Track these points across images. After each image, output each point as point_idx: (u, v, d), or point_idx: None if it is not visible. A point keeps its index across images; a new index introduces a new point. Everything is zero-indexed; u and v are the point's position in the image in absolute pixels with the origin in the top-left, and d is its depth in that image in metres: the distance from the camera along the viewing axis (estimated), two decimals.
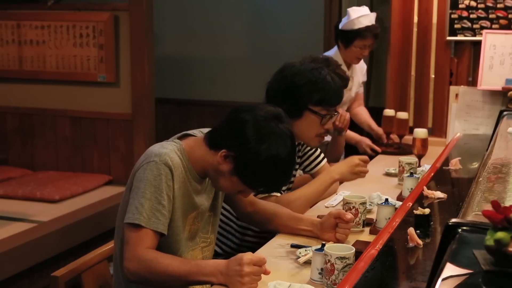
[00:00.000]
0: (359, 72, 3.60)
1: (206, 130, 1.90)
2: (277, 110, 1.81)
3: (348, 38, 3.36)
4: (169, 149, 1.78)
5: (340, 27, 3.41)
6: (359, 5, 5.20)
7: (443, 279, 0.92)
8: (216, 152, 1.78)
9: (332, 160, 3.07)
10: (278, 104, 2.01)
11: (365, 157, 2.51)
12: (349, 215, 1.99)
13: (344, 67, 3.26)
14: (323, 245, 1.73)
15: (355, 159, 2.45)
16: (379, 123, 3.61)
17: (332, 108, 2.31)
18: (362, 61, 3.56)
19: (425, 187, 1.80)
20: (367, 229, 2.14)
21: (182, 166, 1.80)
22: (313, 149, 2.59)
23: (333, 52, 3.43)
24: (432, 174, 2.06)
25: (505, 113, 2.46)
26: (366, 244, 1.64)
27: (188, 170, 1.82)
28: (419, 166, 2.94)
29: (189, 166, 1.82)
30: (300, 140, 2.37)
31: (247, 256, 1.62)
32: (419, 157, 2.97)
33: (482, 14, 3.52)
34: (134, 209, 1.71)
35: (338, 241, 1.97)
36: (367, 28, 3.32)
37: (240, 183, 1.78)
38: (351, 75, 3.43)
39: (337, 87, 2.30)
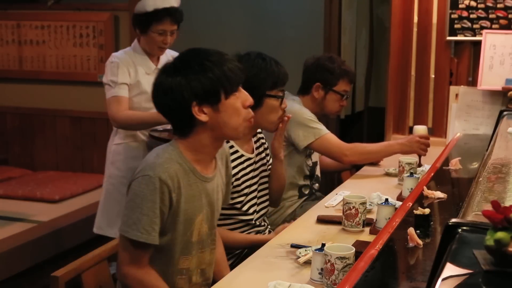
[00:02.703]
0: None
1: None
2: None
3: (143, 22, 2.98)
4: (164, 159, 1.77)
5: (135, 11, 3.04)
6: (358, 5, 5.23)
7: (443, 279, 0.92)
8: (195, 129, 1.79)
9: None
10: None
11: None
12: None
13: (146, 59, 3.06)
14: (323, 245, 1.73)
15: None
16: (378, 123, 3.61)
17: (282, 88, 2.37)
18: (171, 52, 3.18)
19: (425, 187, 1.80)
20: (367, 229, 2.14)
21: (183, 170, 1.79)
22: (267, 147, 2.54)
23: (132, 45, 3.10)
24: (432, 174, 2.06)
25: (505, 113, 2.46)
26: (366, 244, 1.64)
27: (191, 171, 1.81)
28: (420, 164, 2.94)
29: (191, 167, 1.82)
30: (262, 127, 2.41)
31: None
32: (420, 156, 2.97)
33: (482, 14, 3.52)
34: (132, 223, 1.74)
35: None
36: (164, 9, 2.95)
37: (221, 105, 1.77)
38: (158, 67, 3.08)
39: (281, 67, 2.35)
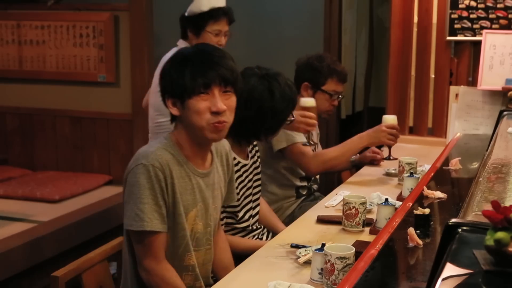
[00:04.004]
0: None
1: None
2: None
3: (198, 23, 2.89)
4: (155, 148, 1.79)
5: (186, 13, 2.95)
6: (358, 5, 5.23)
7: (443, 279, 0.92)
8: (177, 123, 1.84)
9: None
10: (261, 126, 2.27)
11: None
12: None
13: None
14: (323, 245, 1.73)
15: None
16: (378, 123, 3.55)
17: None
18: None
19: (425, 187, 1.80)
20: (367, 229, 2.14)
21: (176, 161, 1.80)
22: (258, 150, 2.53)
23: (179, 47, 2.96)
24: (432, 174, 2.06)
25: (505, 113, 2.46)
26: (366, 244, 1.64)
27: (184, 164, 1.82)
28: (389, 155, 2.93)
29: (184, 160, 1.82)
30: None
31: None
32: (389, 146, 2.92)
33: (482, 14, 3.52)
34: (135, 215, 1.74)
35: None
36: (220, 9, 2.89)
37: (186, 103, 1.78)
38: None
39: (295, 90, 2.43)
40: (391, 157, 2.95)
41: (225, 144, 2.02)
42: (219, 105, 1.76)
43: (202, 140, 1.83)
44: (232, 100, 1.81)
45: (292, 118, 2.38)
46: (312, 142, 2.88)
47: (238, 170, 2.30)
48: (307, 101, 2.77)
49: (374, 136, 2.86)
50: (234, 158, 2.27)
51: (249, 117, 2.21)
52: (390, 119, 2.92)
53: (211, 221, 1.93)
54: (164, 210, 1.76)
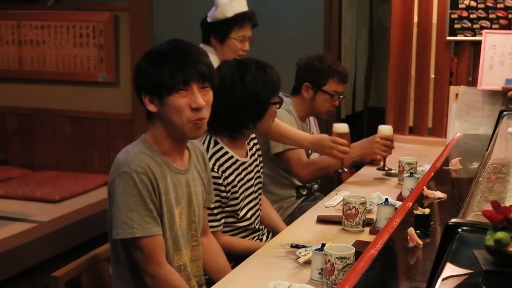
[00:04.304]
0: None
1: None
2: None
3: (223, 30, 2.78)
4: (134, 153, 1.77)
5: (209, 19, 2.82)
6: (358, 5, 5.23)
7: (443, 279, 0.92)
8: (154, 120, 1.82)
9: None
10: (241, 113, 2.20)
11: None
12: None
13: None
14: (323, 245, 1.73)
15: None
16: (378, 123, 3.55)
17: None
18: None
19: (425, 187, 1.80)
20: (367, 229, 2.14)
21: (155, 163, 1.79)
22: (259, 148, 2.51)
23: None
24: (432, 174, 2.06)
25: (505, 113, 2.46)
26: (366, 244, 1.64)
27: (164, 163, 1.81)
28: (384, 166, 2.92)
29: (163, 159, 1.82)
30: (260, 133, 2.44)
31: None
32: (384, 157, 2.91)
33: (482, 14, 3.52)
34: (123, 223, 1.72)
35: None
36: (244, 14, 2.78)
37: (165, 101, 1.76)
38: None
39: (275, 71, 2.34)
40: (386, 168, 2.93)
41: (199, 144, 2.04)
42: (199, 101, 1.77)
43: (181, 137, 1.84)
44: (210, 95, 1.83)
45: (279, 100, 2.32)
46: (346, 170, 2.74)
47: (237, 169, 2.28)
48: (340, 127, 2.69)
49: (368, 147, 2.85)
50: (232, 157, 2.27)
51: (227, 106, 2.20)
52: (385, 129, 2.90)
53: (195, 217, 1.93)
54: (156, 213, 1.76)
